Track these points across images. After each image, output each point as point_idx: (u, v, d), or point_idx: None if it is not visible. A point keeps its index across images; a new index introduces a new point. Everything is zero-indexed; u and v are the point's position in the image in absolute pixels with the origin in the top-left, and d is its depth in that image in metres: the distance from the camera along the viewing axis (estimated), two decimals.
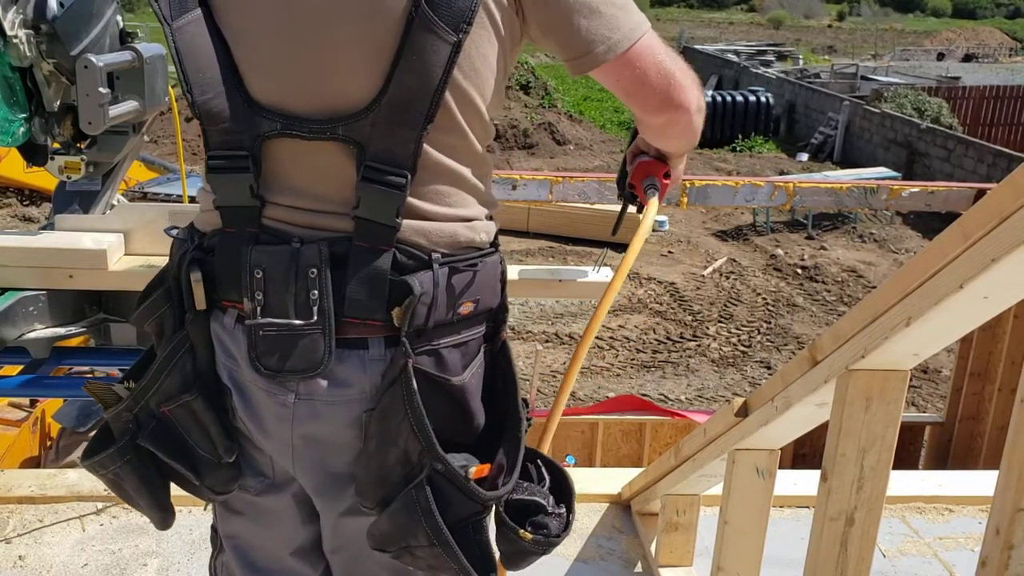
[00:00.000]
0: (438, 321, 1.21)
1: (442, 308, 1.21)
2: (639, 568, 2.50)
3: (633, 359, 8.72)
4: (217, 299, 1.25)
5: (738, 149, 18.62)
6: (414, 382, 1.18)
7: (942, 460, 4.72)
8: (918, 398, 7.88)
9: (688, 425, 4.59)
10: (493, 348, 1.32)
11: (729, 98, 19.57)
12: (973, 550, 2.64)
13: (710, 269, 11.26)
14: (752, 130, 19.26)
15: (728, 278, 11.04)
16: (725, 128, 19.09)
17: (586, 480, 2.86)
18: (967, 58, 42.43)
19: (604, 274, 2.64)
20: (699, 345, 9.08)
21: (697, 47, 30.35)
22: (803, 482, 2.85)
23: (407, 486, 1.22)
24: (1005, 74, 32.36)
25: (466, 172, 1.25)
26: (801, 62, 32.30)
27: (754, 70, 23.89)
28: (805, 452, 4.41)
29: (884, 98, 19.02)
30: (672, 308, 10.00)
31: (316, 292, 1.17)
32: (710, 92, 20.47)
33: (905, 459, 4.64)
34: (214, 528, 1.52)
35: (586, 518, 2.68)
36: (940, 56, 41.16)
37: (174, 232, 1.33)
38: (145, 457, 1.31)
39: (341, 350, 1.20)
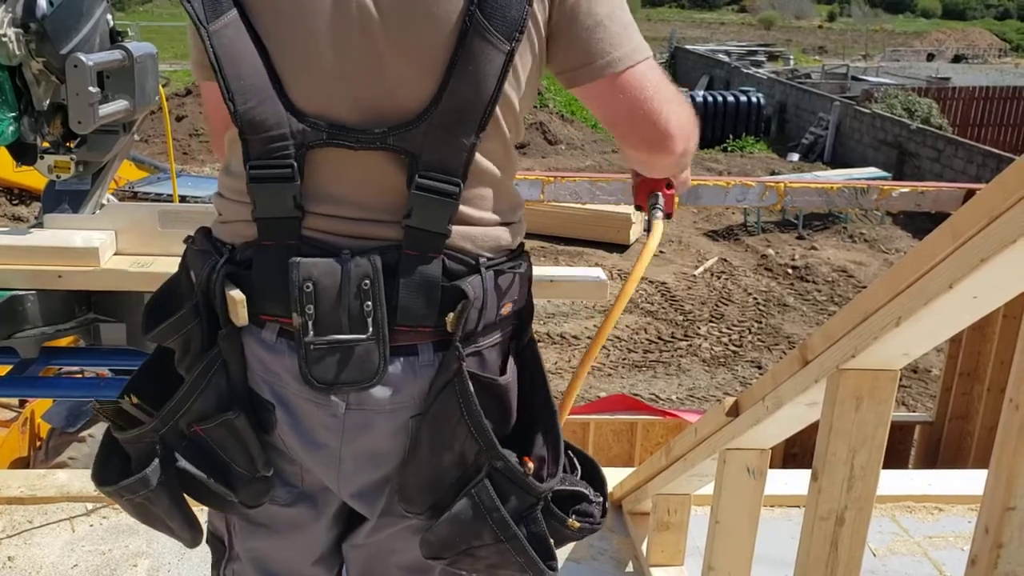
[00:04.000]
0: (486, 323, 1.23)
1: (490, 311, 1.23)
2: (630, 568, 2.50)
3: (624, 359, 8.73)
4: (254, 313, 1.22)
5: (729, 149, 18.65)
6: (470, 384, 1.18)
7: (932, 459, 4.74)
8: (908, 397, 7.91)
9: (679, 425, 4.59)
10: (519, 345, 1.33)
11: (720, 98, 19.61)
12: (963, 549, 2.66)
13: (701, 269, 11.28)
14: (743, 130, 19.30)
15: (719, 278, 11.06)
16: (716, 128, 19.10)
17: None
18: (957, 59, 42.61)
19: (596, 273, 2.64)
20: (690, 345, 9.09)
21: (688, 47, 30.40)
22: (794, 482, 2.86)
23: (462, 488, 1.23)
24: (994, 75, 32.51)
25: (502, 175, 1.26)
26: (792, 62, 32.38)
27: (745, 70, 23.93)
28: (796, 452, 4.42)
29: (874, 98, 19.08)
30: (663, 308, 10.01)
31: (370, 303, 1.16)
32: (701, 92, 20.53)
33: (895, 458, 4.65)
34: (213, 534, 1.48)
35: None
36: (930, 57, 41.32)
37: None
38: (174, 478, 1.28)
39: (393, 358, 1.20)
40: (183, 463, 1.26)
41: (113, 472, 1.30)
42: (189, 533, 1.37)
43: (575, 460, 1.39)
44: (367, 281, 1.16)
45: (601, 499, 1.36)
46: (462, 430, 1.19)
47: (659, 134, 1.26)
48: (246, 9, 1.17)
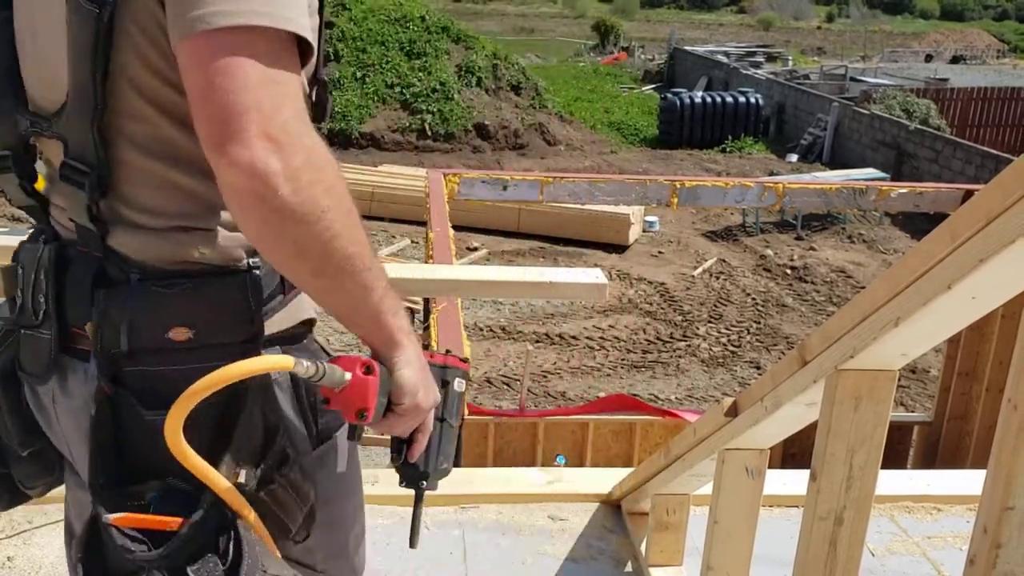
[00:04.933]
0: (141, 346, 1.08)
1: (142, 332, 1.08)
2: (629, 568, 2.50)
3: (623, 359, 8.74)
4: None
5: (728, 150, 18.67)
6: (94, 408, 1.09)
7: (930, 459, 4.75)
8: (906, 397, 7.92)
9: (678, 424, 4.60)
10: (249, 386, 1.09)
11: (719, 99, 19.64)
12: (961, 549, 2.66)
13: (700, 269, 11.29)
14: (742, 131, 19.33)
15: (718, 278, 11.07)
16: (715, 129, 19.18)
17: (576, 480, 2.86)
18: (955, 60, 42.59)
19: (594, 275, 2.65)
20: (689, 345, 9.10)
21: (687, 48, 30.41)
22: (792, 482, 2.86)
23: None
24: (993, 75, 32.51)
25: (168, 168, 1.07)
26: (790, 63, 32.41)
27: (744, 71, 23.95)
28: (794, 452, 4.43)
29: (873, 99, 19.10)
30: (662, 308, 10.02)
31: (42, 296, 1.15)
32: (700, 93, 20.54)
33: (893, 458, 4.66)
34: None
35: (576, 518, 2.68)
36: (928, 58, 41.31)
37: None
38: None
39: (70, 359, 1.15)
40: None
41: None
42: None
43: (230, 546, 1.05)
44: (43, 273, 1.15)
45: None
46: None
47: (242, 133, 0.92)
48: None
